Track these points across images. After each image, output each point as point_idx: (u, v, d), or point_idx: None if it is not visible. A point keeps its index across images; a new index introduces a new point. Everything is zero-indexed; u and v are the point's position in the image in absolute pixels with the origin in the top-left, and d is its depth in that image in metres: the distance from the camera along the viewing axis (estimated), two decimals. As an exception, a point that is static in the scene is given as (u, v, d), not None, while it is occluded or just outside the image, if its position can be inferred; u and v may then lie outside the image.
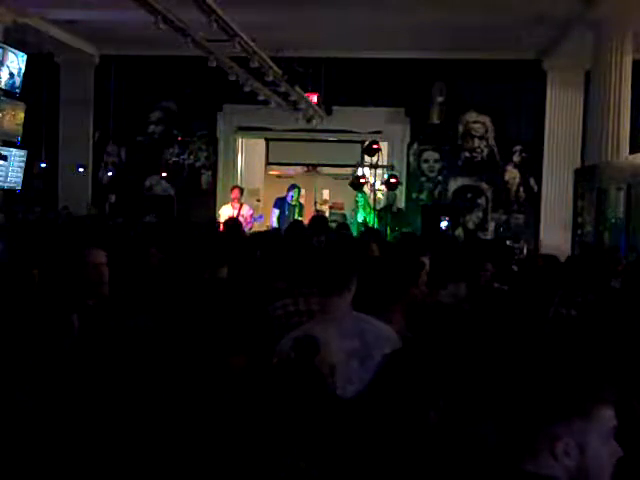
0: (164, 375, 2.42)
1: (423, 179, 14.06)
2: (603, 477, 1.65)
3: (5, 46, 11.74)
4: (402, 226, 12.20)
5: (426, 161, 14.05)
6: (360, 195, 13.10)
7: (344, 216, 14.15)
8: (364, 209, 12.92)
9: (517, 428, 1.66)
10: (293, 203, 12.72)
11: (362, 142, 13.31)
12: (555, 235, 12.15)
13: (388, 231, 11.68)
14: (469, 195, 13.94)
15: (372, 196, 12.78)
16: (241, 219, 11.21)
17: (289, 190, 12.89)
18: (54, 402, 2.53)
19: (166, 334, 2.88)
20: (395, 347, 3.24)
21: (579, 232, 11.13)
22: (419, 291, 4.14)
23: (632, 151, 10.16)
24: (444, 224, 12.06)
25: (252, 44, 8.99)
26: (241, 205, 12.13)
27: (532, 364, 1.69)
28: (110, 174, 14.39)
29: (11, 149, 12.95)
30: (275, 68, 10.26)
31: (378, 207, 13.14)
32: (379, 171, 12.79)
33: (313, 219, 9.14)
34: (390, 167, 13.03)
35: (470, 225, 13.76)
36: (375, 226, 11.94)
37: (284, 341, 3.17)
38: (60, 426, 2.44)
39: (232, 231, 6.88)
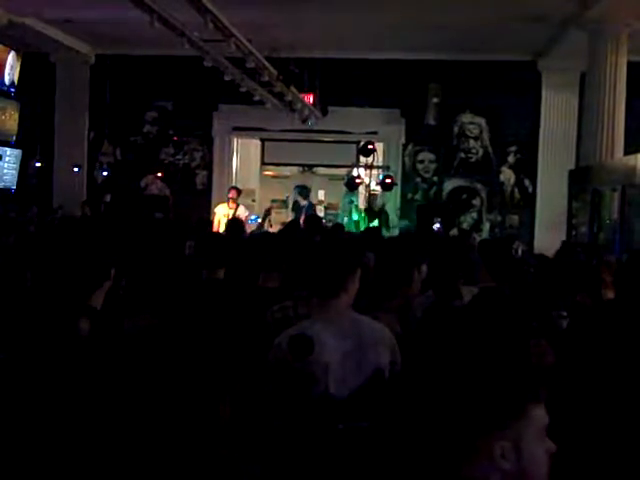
0: (167, 377, 2.41)
1: (418, 180, 14.08)
2: (540, 476, 1.64)
3: (1, 45, 11.74)
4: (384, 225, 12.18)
5: (421, 162, 14.07)
6: (352, 196, 13.08)
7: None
8: (356, 210, 12.92)
9: (452, 433, 1.62)
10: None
11: (357, 143, 13.32)
12: (550, 236, 12.17)
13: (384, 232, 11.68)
14: (464, 196, 13.96)
15: (367, 197, 12.79)
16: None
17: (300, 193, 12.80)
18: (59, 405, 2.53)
19: (170, 335, 2.87)
20: (390, 347, 3.25)
21: (574, 233, 11.15)
22: (412, 291, 4.14)
23: (626, 152, 10.18)
24: (436, 226, 12.03)
25: (248, 44, 8.99)
26: (237, 206, 12.14)
27: (461, 368, 1.67)
28: (105, 174, 14.37)
29: (6, 148, 12.95)
30: (270, 68, 10.26)
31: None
32: (374, 172, 12.81)
33: (307, 219, 9.15)
34: (385, 168, 13.03)
35: (465, 226, 13.77)
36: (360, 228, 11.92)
37: (281, 338, 3.18)
38: (64, 428, 2.44)
39: (234, 232, 6.85)
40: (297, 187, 12.97)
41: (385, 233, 11.09)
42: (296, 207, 12.63)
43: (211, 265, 4.40)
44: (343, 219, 13.01)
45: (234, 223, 7.68)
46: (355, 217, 12.87)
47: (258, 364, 3.18)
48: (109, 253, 3.71)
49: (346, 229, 11.15)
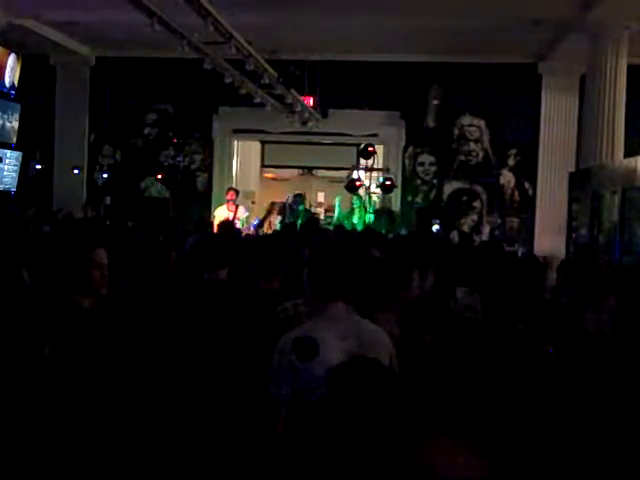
0: (170, 377, 2.40)
1: (418, 182, 14.08)
2: None
3: (1, 48, 11.75)
4: (394, 229, 12.18)
5: (421, 164, 14.06)
6: (355, 198, 13.10)
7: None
8: (360, 211, 12.92)
9: None
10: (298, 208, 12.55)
11: (358, 145, 13.32)
12: (550, 238, 12.17)
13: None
14: (464, 198, 13.95)
15: (367, 199, 12.79)
16: (237, 221, 11.26)
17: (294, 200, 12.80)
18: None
19: (175, 337, 2.87)
20: (388, 350, 3.25)
21: (574, 235, 11.14)
22: (411, 294, 4.14)
23: (627, 155, 10.19)
24: (435, 227, 12.02)
25: (248, 46, 8.99)
26: (236, 207, 12.15)
27: None
28: (105, 176, 14.37)
29: (6, 151, 12.95)
30: (271, 71, 10.26)
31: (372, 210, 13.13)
32: (374, 174, 12.81)
33: (306, 221, 9.18)
34: (385, 170, 13.03)
35: (465, 228, 13.77)
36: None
37: (284, 340, 3.17)
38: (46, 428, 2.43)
39: (227, 233, 6.85)
40: (295, 195, 12.94)
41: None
42: (292, 212, 12.59)
43: (212, 266, 4.39)
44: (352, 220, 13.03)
45: (225, 225, 7.69)
46: (355, 220, 12.87)
47: (264, 364, 3.16)
48: (81, 252, 3.70)
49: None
